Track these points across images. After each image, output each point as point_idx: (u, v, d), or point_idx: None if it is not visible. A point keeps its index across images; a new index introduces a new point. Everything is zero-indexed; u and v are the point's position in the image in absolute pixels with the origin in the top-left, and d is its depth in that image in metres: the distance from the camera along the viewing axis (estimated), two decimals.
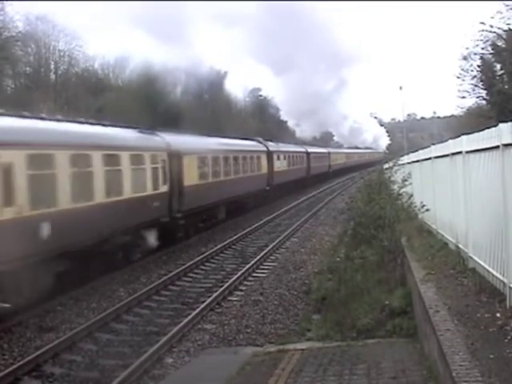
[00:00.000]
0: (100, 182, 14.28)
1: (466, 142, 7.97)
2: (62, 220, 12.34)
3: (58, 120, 15.05)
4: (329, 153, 59.18)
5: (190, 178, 20.78)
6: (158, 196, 17.88)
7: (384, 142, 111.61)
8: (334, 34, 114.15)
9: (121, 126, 17.80)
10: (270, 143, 36.55)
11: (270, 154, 34.18)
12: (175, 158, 19.46)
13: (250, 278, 15.16)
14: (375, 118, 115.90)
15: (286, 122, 77.98)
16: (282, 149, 38.50)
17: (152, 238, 17.34)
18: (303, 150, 46.31)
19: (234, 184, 25.96)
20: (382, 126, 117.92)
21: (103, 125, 16.82)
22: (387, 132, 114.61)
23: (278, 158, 36.44)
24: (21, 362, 9.04)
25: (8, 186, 10.90)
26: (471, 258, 7.78)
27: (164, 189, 18.36)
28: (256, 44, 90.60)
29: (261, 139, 36.06)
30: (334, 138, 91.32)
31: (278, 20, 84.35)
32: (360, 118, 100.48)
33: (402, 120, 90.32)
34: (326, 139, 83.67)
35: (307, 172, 46.18)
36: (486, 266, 6.88)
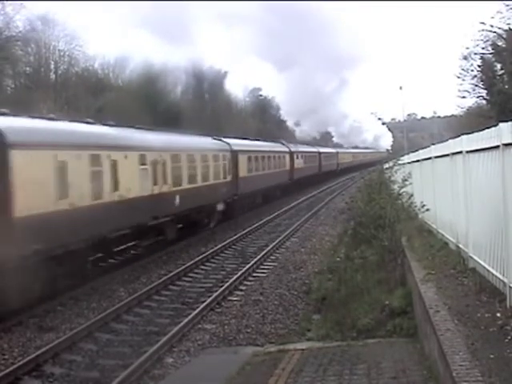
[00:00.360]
0: (199, 172, 22.31)
1: (466, 142, 7.96)
2: (184, 194, 20.09)
3: (179, 134, 23.96)
4: (337, 152, 65.19)
5: (243, 171, 28.40)
6: (226, 183, 25.64)
7: (385, 141, 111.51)
8: (335, 34, 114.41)
9: (203, 135, 26.24)
10: (291, 144, 43.05)
11: (291, 154, 40.46)
12: (234, 156, 27.10)
13: (250, 278, 15.15)
14: (378, 118, 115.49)
15: (285, 122, 78.33)
16: (299, 149, 44.67)
17: (222, 212, 24.87)
18: (316, 150, 52.69)
19: (268, 177, 33.42)
20: (383, 124, 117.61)
21: (196, 135, 25.37)
22: (390, 131, 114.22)
23: (297, 158, 42.55)
24: (21, 362, 9.04)
25: (164, 173, 18.77)
26: (471, 257, 7.77)
27: (229, 178, 26.10)
28: (259, 42, 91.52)
29: (284, 141, 43.00)
30: (334, 139, 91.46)
31: (281, 19, 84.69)
32: (360, 117, 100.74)
33: (402, 120, 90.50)
34: (325, 139, 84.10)
35: (319, 169, 52.18)
36: (487, 266, 6.88)
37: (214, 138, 26.66)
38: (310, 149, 50.44)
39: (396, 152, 58.70)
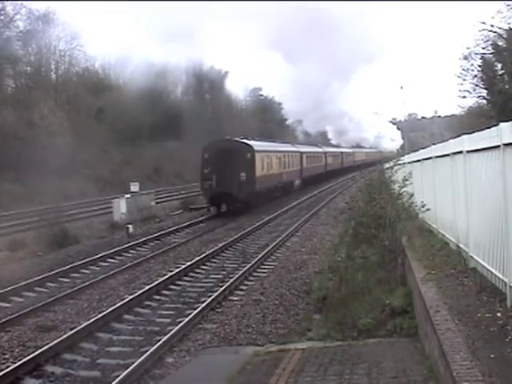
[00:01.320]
0: (290, 163, 40.21)
1: (467, 142, 7.96)
2: (286, 174, 38.40)
3: (283, 142, 45.73)
4: (354, 152, 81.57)
5: (304, 164, 45.64)
6: (298, 170, 43.45)
7: (388, 141, 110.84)
8: (338, 32, 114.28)
9: (286, 143, 46.47)
10: (324, 146, 61.70)
11: (325, 154, 58.16)
12: (300, 155, 44.71)
13: (251, 278, 15.15)
14: (375, 114, 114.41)
15: (286, 120, 79.15)
16: (329, 150, 63.05)
17: (297, 186, 43.22)
18: (339, 150, 71.57)
19: (314, 168, 50.64)
20: (393, 123, 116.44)
21: (284, 143, 46.12)
22: (399, 129, 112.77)
23: (329, 156, 59.95)
24: (21, 362, 9.03)
25: (282, 163, 37.33)
26: (472, 257, 7.77)
27: (298, 168, 43.57)
28: (265, 35, 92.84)
29: (319, 144, 62.25)
30: (331, 140, 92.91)
31: (289, 16, 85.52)
32: (360, 115, 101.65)
33: (402, 119, 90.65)
34: (325, 139, 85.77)
35: (341, 164, 69.58)
36: (487, 266, 6.88)
37: (291, 144, 46.44)
38: (335, 149, 70.35)
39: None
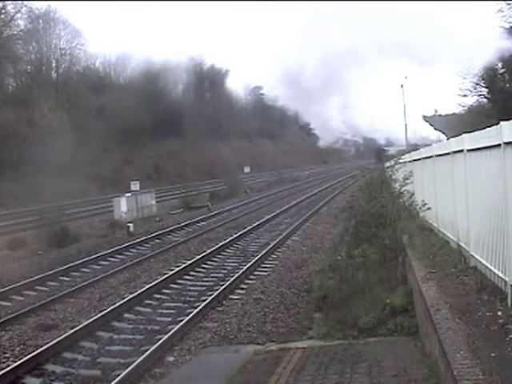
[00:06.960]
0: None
1: (468, 141, 7.94)
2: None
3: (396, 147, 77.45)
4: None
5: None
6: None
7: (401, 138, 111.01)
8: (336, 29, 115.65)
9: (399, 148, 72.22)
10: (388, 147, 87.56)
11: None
12: (383, 151, 74.61)
13: (252, 277, 15.14)
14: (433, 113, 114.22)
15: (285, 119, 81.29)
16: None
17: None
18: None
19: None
20: (424, 117, 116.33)
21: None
22: (430, 124, 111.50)
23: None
24: (22, 361, 9.04)
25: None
26: (472, 256, 7.76)
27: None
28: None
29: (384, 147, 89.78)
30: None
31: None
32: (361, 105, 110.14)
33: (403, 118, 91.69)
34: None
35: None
36: (488, 265, 6.87)
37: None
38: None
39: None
